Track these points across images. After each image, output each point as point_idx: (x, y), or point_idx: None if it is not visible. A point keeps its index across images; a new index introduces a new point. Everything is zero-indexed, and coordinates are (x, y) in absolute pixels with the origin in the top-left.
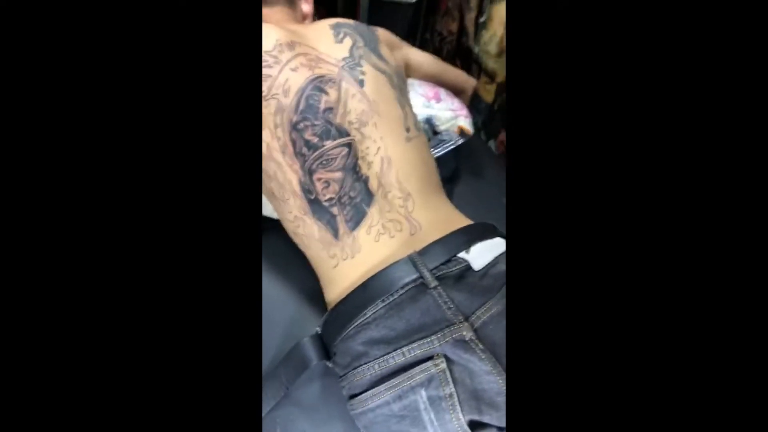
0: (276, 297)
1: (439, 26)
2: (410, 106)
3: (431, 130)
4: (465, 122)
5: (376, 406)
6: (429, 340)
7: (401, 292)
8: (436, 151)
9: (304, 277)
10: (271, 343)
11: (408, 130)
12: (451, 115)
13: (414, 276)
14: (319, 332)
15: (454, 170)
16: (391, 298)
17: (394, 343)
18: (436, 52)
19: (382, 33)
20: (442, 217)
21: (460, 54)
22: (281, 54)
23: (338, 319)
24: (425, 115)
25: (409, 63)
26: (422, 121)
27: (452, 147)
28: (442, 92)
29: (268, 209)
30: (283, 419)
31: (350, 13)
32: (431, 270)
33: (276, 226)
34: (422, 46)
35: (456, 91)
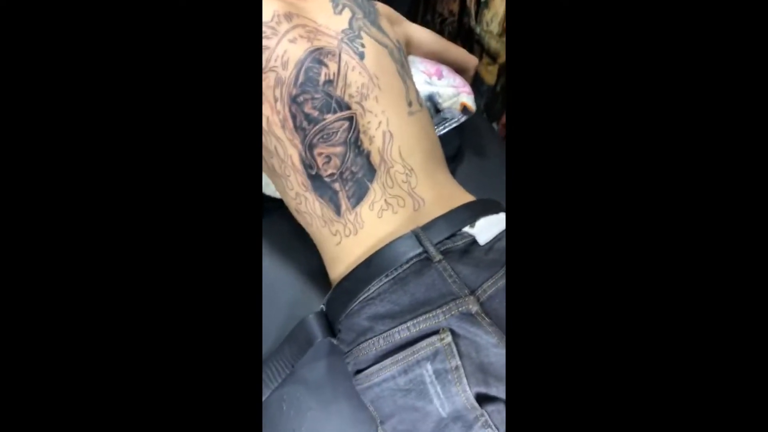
0: (280, 278)
1: (439, 7)
2: (412, 80)
3: (434, 108)
4: (468, 99)
5: (381, 381)
6: (434, 314)
7: (405, 266)
8: (439, 129)
9: (308, 259)
10: (275, 325)
11: (410, 104)
12: (454, 92)
13: (418, 250)
14: (324, 309)
15: (457, 148)
16: (396, 273)
17: (399, 317)
18: (438, 33)
19: (381, 6)
20: (445, 193)
21: (462, 35)
22: (279, 25)
23: (342, 295)
24: (427, 93)
25: (410, 39)
26: (424, 98)
27: (455, 125)
28: (444, 69)
29: (270, 189)
30: (290, 397)
31: None
32: (435, 244)
33: (279, 206)
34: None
35: (458, 70)
